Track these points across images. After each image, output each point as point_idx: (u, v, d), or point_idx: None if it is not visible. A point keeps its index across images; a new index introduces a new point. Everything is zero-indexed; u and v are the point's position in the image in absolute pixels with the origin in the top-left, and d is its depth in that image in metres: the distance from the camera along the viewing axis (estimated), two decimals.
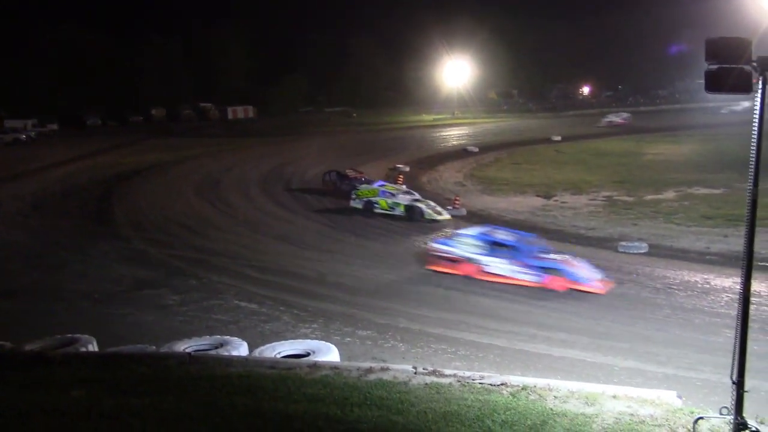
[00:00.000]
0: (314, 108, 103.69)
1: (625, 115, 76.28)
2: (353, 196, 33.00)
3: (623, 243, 25.76)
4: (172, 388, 11.09)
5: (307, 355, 14.02)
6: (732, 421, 8.13)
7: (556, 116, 79.50)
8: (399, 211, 31.08)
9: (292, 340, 15.40)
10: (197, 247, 26.86)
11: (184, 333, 16.53)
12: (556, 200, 35.59)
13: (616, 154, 52.72)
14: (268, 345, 14.69)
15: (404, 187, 34.55)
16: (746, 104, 76.90)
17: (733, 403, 8.16)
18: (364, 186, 34.06)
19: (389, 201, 31.50)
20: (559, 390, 10.80)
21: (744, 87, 7.97)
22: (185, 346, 14.60)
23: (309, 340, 15.52)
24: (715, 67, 8.01)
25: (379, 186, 33.15)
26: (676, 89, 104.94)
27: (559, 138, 64.11)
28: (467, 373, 11.70)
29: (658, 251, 25.18)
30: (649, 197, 35.16)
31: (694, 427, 8.82)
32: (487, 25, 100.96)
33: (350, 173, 39.07)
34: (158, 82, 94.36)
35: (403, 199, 31.43)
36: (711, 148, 50.56)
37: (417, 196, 32.37)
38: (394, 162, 47.94)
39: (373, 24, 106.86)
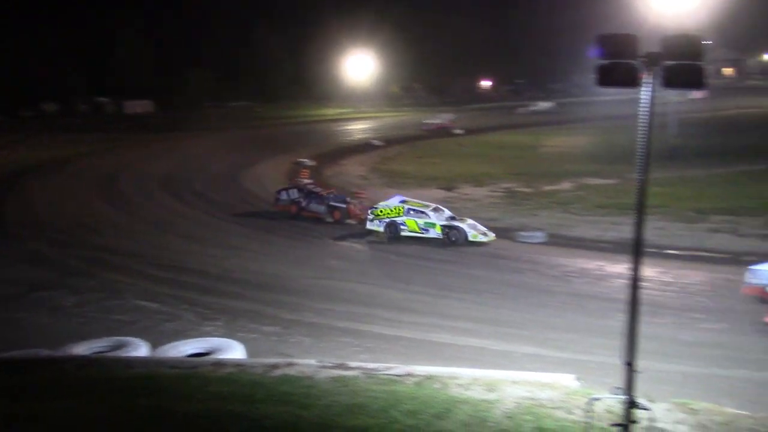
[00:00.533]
0: (218, 103, 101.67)
1: (449, 116, 71.21)
2: (370, 217, 27.02)
3: (522, 233, 26.46)
4: (70, 393, 10.73)
5: (211, 353, 13.81)
6: (624, 400, 8.50)
7: (456, 110, 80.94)
8: (434, 233, 25.76)
9: (195, 339, 15.16)
10: (95, 245, 25.95)
11: (82, 335, 15.92)
12: (458, 192, 36.22)
13: (514, 147, 54.07)
14: (170, 344, 14.41)
15: (429, 204, 27.74)
16: (546, 105, 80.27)
17: (625, 383, 8.53)
18: (382, 203, 27.31)
19: (420, 221, 26.07)
20: (462, 378, 11.06)
21: (631, 81, 8.32)
22: (83, 349, 14.14)
23: (213, 338, 15.31)
24: (605, 62, 8.34)
25: (401, 203, 27.01)
26: (571, 83, 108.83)
27: (461, 132, 65.26)
28: (373, 365, 11.82)
29: (555, 240, 26.04)
30: (547, 188, 36.27)
31: (589, 408, 9.19)
32: (391, 19, 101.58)
33: (320, 190, 31.39)
34: (50, 74, 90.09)
35: (437, 218, 26.16)
36: (603, 141, 52.49)
37: (448, 212, 26.93)
38: (297, 156, 47.61)
39: (277, 17, 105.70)
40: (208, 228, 28.98)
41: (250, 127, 74.22)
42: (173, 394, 10.53)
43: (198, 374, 11.50)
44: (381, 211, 26.78)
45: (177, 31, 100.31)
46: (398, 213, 26.49)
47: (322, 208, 29.79)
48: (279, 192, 31.42)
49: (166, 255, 24.55)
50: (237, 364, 12.20)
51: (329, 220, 29.41)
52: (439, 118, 69.22)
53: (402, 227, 26.27)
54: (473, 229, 25.56)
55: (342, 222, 29.04)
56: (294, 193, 30.67)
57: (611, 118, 57.67)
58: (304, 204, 30.17)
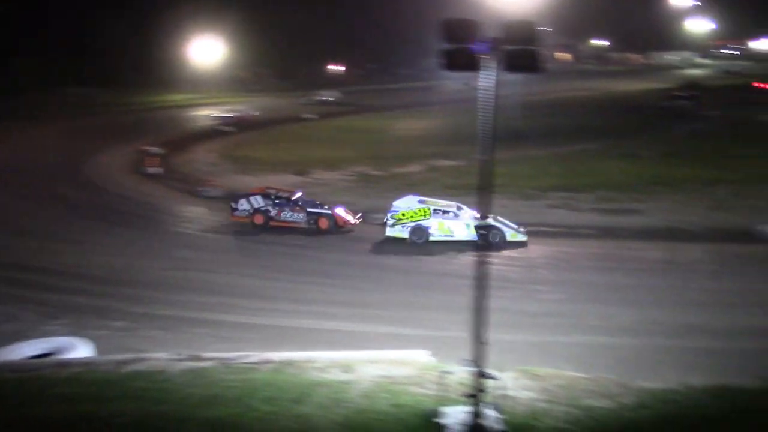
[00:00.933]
0: (55, 89, 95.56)
1: (245, 107, 66.92)
2: (390, 222, 24.19)
3: (375, 215, 26.76)
4: None
5: (56, 353, 13.10)
6: (474, 371, 8.89)
7: (305, 95, 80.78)
8: (468, 234, 23.34)
9: (36, 340, 14.27)
10: None
11: None
12: (312, 177, 36.20)
13: (364, 131, 54.60)
14: (8, 347, 13.51)
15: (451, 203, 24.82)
16: (331, 94, 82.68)
17: (474, 355, 8.92)
18: (402, 205, 24.40)
19: (449, 223, 23.83)
20: (319, 361, 11.17)
21: (473, 65, 8.64)
22: None
23: (56, 338, 14.50)
24: (448, 46, 8.60)
25: (421, 203, 24.34)
26: (419, 68, 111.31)
27: (314, 116, 65.16)
28: (228, 355, 11.69)
29: None
30: (398, 171, 36.97)
31: (441, 381, 9.54)
32: (239, 1, 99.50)
33: (287, 194, 26.56)
34: None
35: (467, 218, 23.63)
36: (450, 123, 54.03)
37: (467, 209, 24.02)
38: (143, 144, 45.74)
39: None
40: (47, 222, 27.32)
41: (92, 115, 70.53)
42: (15, 399, 9.95)
43: (41, 376, 10.91)
44: (403, 215, 24.12)
45: (9, 13, 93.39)
46: (424, 215, 23.97)
47: (299, 217, 25.67)
48: (236, 200, 26.42)
49: (2, 253, 22.96)
50: (84, 363, 11.69)
51: (303, 227, 25.55)
52: (236, 111, 65.21)
53: (429, 231, 23.84)
54: (510, 229, 23.43)
55: (331, 231, 25.34)
56: (258, 201, 25.98)
57: (458, 102, 59.33)
58: (273, 213, 25.86)
